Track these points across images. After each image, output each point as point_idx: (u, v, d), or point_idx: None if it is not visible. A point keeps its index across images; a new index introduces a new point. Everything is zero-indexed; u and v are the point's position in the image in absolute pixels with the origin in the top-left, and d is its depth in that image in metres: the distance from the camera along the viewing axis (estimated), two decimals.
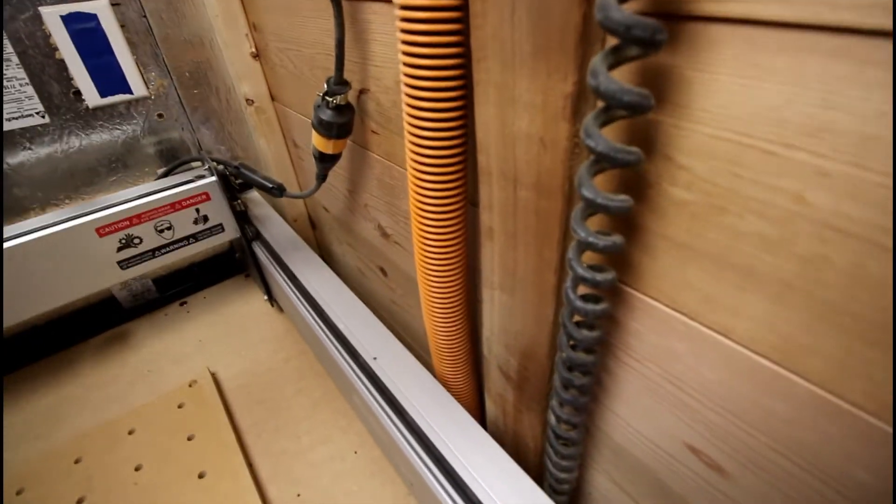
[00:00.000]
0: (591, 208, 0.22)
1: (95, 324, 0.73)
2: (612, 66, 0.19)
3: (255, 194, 0.80)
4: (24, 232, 0.50)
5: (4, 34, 0.55)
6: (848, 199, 0.17)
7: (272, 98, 0.72)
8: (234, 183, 0.67)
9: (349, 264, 0.80)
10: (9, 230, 0.52)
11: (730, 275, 0.22)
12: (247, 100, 0.72)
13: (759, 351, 0.22)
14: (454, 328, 0.42)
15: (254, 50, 0.68)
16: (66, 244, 0.52)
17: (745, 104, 0.18)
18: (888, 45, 0.14)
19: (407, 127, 0.32)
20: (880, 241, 0.17)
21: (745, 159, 0.19)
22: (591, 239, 0.23)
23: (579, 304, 0.26)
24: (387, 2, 0.36)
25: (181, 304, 0.78)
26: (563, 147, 0.24)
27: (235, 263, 0.82)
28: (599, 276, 0.24)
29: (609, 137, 0.20)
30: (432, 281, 0.39)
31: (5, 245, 0.49)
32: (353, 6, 0.40)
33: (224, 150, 0.78)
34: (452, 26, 0.27)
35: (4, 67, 0.57)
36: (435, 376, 0.48)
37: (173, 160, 0.73)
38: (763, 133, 0.18)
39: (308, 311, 0.52)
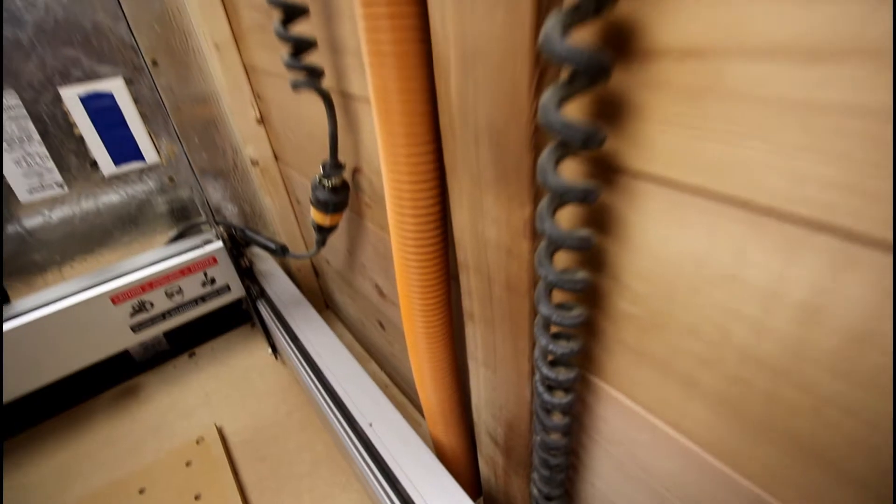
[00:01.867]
0: (548, 321, 0.25)
1: (109, 378, 0.76)
2: (554, 211, 0.21)
3: (256, 250, 0.84)
4: (42, 304, 0.54)
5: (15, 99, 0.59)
6: (761, 337, 0.19)
7: (276, 158, 0.77)
8: (241, 241, 0.70)
9: (350, 314, 0.82)
10: (27, 302, 0.56)
11: (675, 381, 0.24)
12: (252, 161, 0.76)
13: (708, 450, 0.24)
14: (445, 394, 0.44)
15: (258, 116, 0.72)
16: (82, 314, 0.55)
17: (671, 246, 0.21)
18: (779, 223, 0.17)
19: (391, 216, 0.35)
20: (791, 374, 0.19)
21: (675, 290, 0.21)
22: (550, 346, 0.25)
23: (547, 397, 0.28)
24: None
25: (190, 356, 0.81)
26: (526, 259, 0.27)
27: (242, 313, 0.85)
28: (562, 377, 0.26)
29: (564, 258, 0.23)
30: (422, 355, 0.41)
31: (25, 318, 0.52)
32: (345, 100, 0.44)
33: (231, 206, 0.82)
34: (428, 147, 0.30)
35: (27, 144, 0.61)
36: (431, 436, 0.50)
37: (183, 218, 0.77)
38: (687, 272, 0.21)
39: (308, 374, 0.55)
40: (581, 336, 0.27)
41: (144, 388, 0.75)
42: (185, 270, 0.61)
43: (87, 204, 0.69)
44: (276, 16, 0.37)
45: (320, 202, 0.48)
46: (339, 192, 0.48)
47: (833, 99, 0.14)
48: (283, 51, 0.39)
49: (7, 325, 0.52)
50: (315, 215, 0.51)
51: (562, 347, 0.25)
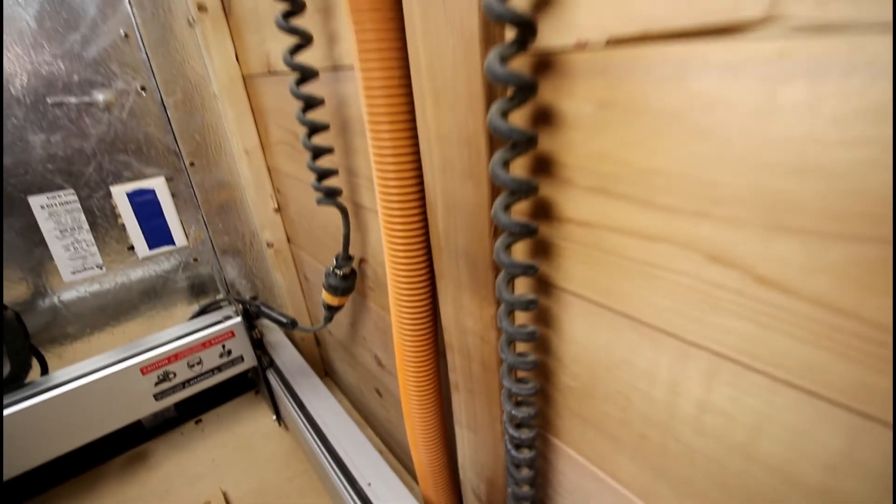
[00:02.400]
0: (511, 392, 0.33)
1: (119, 444, 0.81)
2: (509, 314, 0.31)
3: (266, 322, 0.92)
4: (80, 375, 0.61)
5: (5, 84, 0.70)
6: (648, 404, 0.28)
7: (289, 241, 0.87)
8: (253, 315, 0.79)
9: (350, 382, 0.89)
10: (65, 373, 0.63)
11: (606, 438, 0.32)
12: (268, 243, 0.86)
13: (639, 496, 0.32)
14: (434, 455, 0.51)
15: (276, 206, 0.84)
16: (114, 383, 0.62)
17: (591, 340, 0.30)
18: (650, 331, 0.26)
19: (393, 307, 0.44)
20: (671, 430, 0.27)
21: (597, 370, 0.30)
22: (513, 412, 0.34)
23: (514, 454, 0.36)
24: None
25: (196, 423, 0.86)
26: (494, 344, 0.36)
27: (247, 382, 0.91)
28: (525, 436, 0.35)
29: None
30: (415, 419, 0.48)
31: (65, 388, 0.59)
32: (356, 208, 0.55)
33: (244, 281, 0.91)
34: (422, 258, 0.40)
35: (77, 230, 0.71)
36: (423, 497, 0.56)
37: (200, 292, 0.86)
38: (602, 358, 0.30)
39: (313, 438, 0.61)
40: (537, 403, 0.36)
41: (153, 455, 0.79)
42: (207, 343, 0.69)
43: (119, 280, 0.78)
44: (307, 155, 0.48)
45: (332, 287, 0.58)
46: (348, 279, 0.58)
47: (654, 261, 0.24)
48: (308, 164, 0.51)
49: (47, 395, 0.59)
50: (326, 297, 0.60)
51: (522, 412, 0.34)
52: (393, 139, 0.35)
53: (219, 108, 0.76)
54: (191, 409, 0.87)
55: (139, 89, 0.70)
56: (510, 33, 0.25)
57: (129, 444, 0.81)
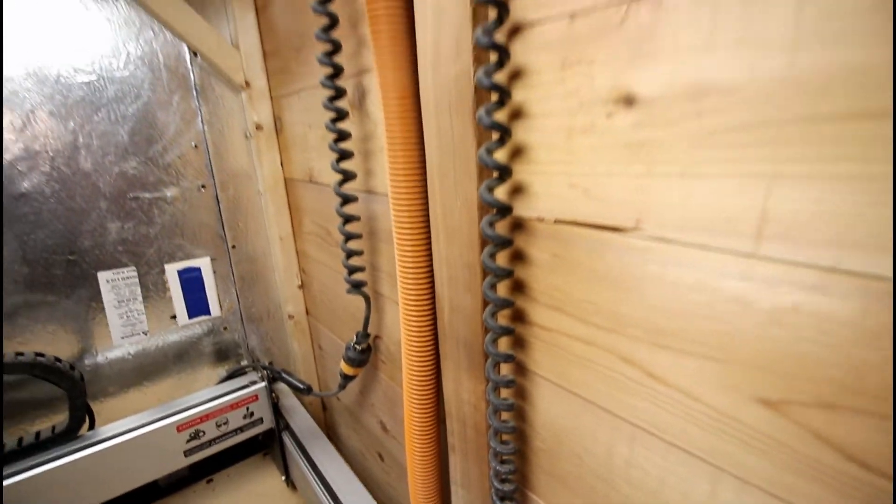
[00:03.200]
0: (496, 452, 0.44)
1: (137, 501, 0.87)
2: (494, 389, 0.42)
3: (282, 385, 1.01)
4: (125, 430, 0.70)
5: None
6: (598, 463, 0.39)
7: (307, 313, 0.99)
8: (272, 380, 0.88)
9: (352, 445, 0.96)
10: (111, 428, 0.72)
11: (572, 492, 0.42)
12: (289, 315, 0.98)
13: None
14: None
15: (300, 283, 0.96)
16: (153, 438, 0.71)
17: (555, 412, 0.41)
18: (599, 409, 0.38)
19: (406, 382, 0.55)
20: (612, 485, 0.38)
21: (560, 436, 0.41)
22: (498, 468, 0.44)
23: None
24: (397, 303, 0.63)
25: (208, 482, 0.92)
26: (484, 413, 0.47)
27: (257, 443, 0.99)
28: (507, 488, 0.44)
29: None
30: (417, 478, 0.58)
31: (112, 442, 0.68)
32: (376, 295, 0.68)
33: (263, 348, 1.01)
34: (430, 344, 0.52)
35: (132, 301, 0.83)
36: None
37: (223, 357, 0.96)
38: (563, 426, 0.41)
39: (325, 496, 0.68)
40: (516, 462, 0.46)
41: None
42: (234, 405, 0.78)
43: (157, 343, 0.88)
44: (342, 255, 0.62)
45: (350, 359, 0.69)
46: (365, 353, 0.69)
47: (590, 357, 0.36)
48: (343, 262, 0.64)
49: (96, 448, 0.67)
50: (344, 367, 0.71)
51: (505, 468, 0.44)
52: (414, 256, 0.48)
53: (262, 202, 0.91)
54: (203, 469, 0.93)
55: (200, 187, 0.85)
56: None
57: (145, 500, 0.87)
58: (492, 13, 0.35)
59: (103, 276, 0.79)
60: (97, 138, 0.75)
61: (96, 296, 0.80)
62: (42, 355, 0.66)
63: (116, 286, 0.81)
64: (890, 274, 0.21)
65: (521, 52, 0.35)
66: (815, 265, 0.24)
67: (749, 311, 0.27)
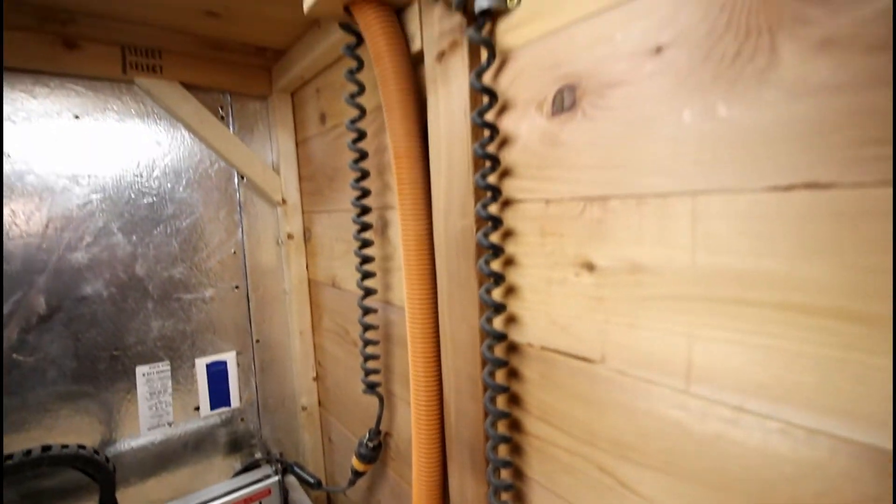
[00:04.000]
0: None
1: None
2: (496, 491, 0.49)
3: (290, 477, 1.04)
4: None
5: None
6: None
7: (320, 405, 1.05)
8: (283, 472, 0.92)
9: None
10: None
11: None
12: (302, 407, 1.04)
13: None
14: None
15: (315, 375, 1.03)
16: None
17: None
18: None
19: (415, 476, 0.60)
20: None
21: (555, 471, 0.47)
22: None
23: None
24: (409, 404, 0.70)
25: None
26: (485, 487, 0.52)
27: None
28: None
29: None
30: None
31: None
32: (388, 394, 0.75)
33: (274, 439, 1.05)
34: (438, 448, 0.58)
35: (162, 393, 0.90)
36: None
37: (237, 448, 1.00)
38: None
39: None
40: None
41: None
42: (248, 500, 0.81)
43: (177, 433, 0.93)
44: (358, 353, 0.70)
45: (362, 455, 0.74)
46: (376, 450, 0.74)
47: (572, 465, 0.43)
48: (360, 365, 0.72)
49: None
50: (356, 463, 0.76)
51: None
52: (426, 365, 0.57)
53: (286, 300, 1.02)
54: None
55: (234, 287, 0.96)
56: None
57: None
58: (488, 193, 0.47)
59: (140, 370, 0.87)
60: (153, 249, 0.87)
61: (132, 388, 0.87)
62: (83, 447, 0.72)
63: (151, 379, 0.88)
64: (781, 415, 0.30)
65: (511, 218, 0.47)
66: (728, 404, 0.32)
67: (688, 436, 0.35)
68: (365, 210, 0.65)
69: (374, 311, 0.69)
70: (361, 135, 0.63)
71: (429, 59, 0.53)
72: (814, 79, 0.27)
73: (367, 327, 0.68)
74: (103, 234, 0.83)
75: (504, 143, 0.47)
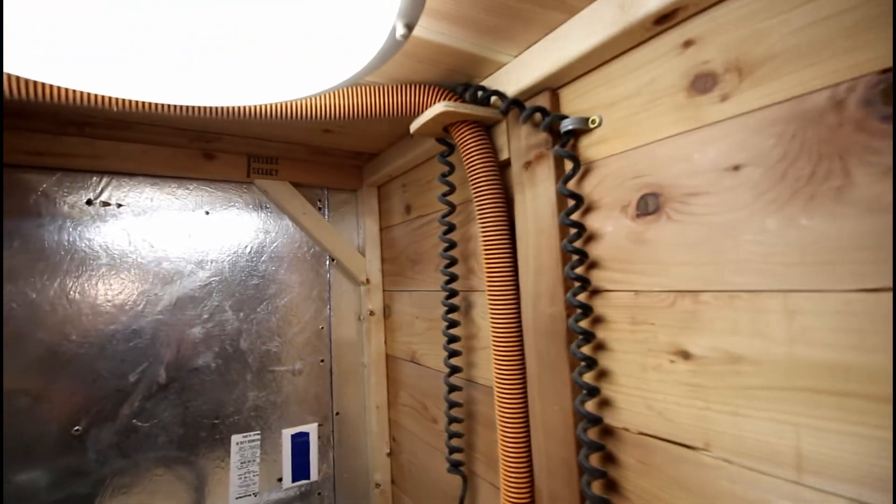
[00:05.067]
0: None
1: None
2: None
3: None
4: None
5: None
6: None
7: (393, 482, 1.05)
8: None
9: None
10: None
11: None
12: (376, 483, 1.05)
13: None
14: None
15: (389, 451, 1.06)
16: None
17: None
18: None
19: None
20: None
21: None
22: None
23: None
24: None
25: None
26: None
27: None
28: None
29: None
30: None
31: None
32: (471, 475, 0.76)
33: None
34: None
35: (252, 463, 0.95)
36: None
37: None
38: None
39: None
40: None
41: None
42: None
43: (261, 503, 0.97)
44: (438, 430, 0.73)
45: None
46: None
47: None
48: (445, 441, 0.74)
49: None
50: None
51: None
52: (515, 446, 0.59)
53: (364, 373, 1.08)
54: None
55: (320, 361, 1.04)
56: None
57: None
58: (577, 283, 0.52)
59: (235, 439, 0.94)
60: (256, 325, 0.98)
61: (226, 456, 0.93)
62: None
63: (243, 448, 0.95)
64: None
65: (600, 306, 0.51)
66: (844, 496, 0.33)
67: None
68: (453, 293, 0.71)
69: (459, 388, 0.73)
70: (451, 227, 0.71)
71: (516, 167, 0.61)
72: (886, 198, 0.31)
73: (452, 404, 0.72)
74: (217, 311, 0.94)
75: (590, 239, 0.53)
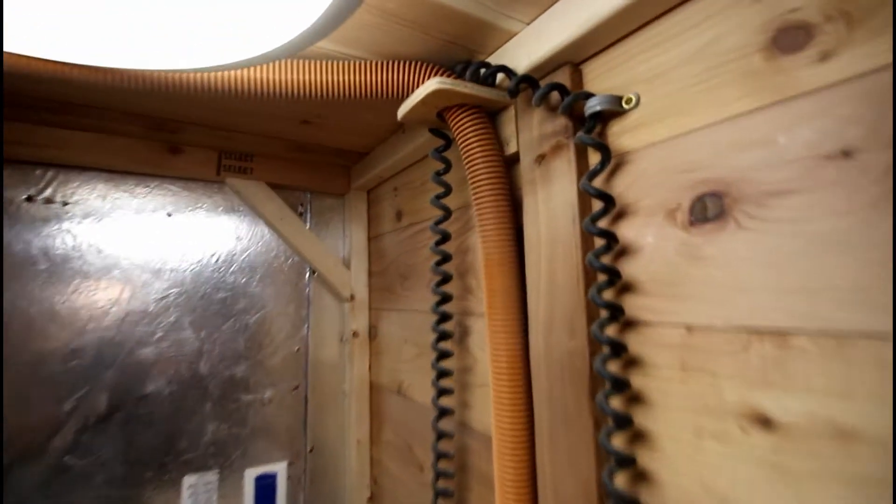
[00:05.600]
0: None
1: None
2: None
3: None
4: None
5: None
6: None
7: None
8: None
9: None
10: None
11: None
12: None
13: None
14: None
15: (370, 495, 0.91)
16: None
17: None
18: None
19: None
20: None
21: None
22: None
23: None
24: None
25: None
26: None
27: None
28: None
29: None
30: None
31: None
32: None
33: None
34: None
35: None
36: None
37: None
38: None
39: None
40: None
41: None
42: None
43: None
44: (424, 478, 0.60)
45: None
46: None
47: None
48: (431, 482, 0.61)
49: None
50: None
51: None
52: None
53: (345, 403, 0.94)
54: None
55: (294, 388, 0.91)
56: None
57: None
58: (605, 312, 0.39)
59: (187, 481, 0.80)
60: (219, 345, 0.85)
61: (175, 500, 0.79)
62: None
63: (196, 492, 0.81)
64: None
65: (637, 344, 0.39)
66: None
67: None
68: (445, 317, 0.59)
69: (451, 435, 0.60)
70: (445, 236, 0.59)
71: (526, 161, 0.49)
72: None
73: (440, 455, 0.59)
74: (174, 328, 0.82)
75: (623, 253, 0.40)
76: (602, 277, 0.40)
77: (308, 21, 0.34)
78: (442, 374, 0.59)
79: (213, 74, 0.48)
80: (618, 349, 0.38)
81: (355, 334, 0.93)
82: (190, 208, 0.85)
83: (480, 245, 0.50)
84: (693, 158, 0.35)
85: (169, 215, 0.83)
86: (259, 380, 0.88)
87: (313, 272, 0.94)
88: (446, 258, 0.59)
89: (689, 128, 0.36)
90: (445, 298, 0.59)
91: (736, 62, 0.33)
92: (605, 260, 0.41)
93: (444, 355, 0.59)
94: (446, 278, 0.59)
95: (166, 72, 0.47)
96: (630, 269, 0.40)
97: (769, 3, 0.32)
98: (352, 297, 0.94)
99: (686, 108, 0.36)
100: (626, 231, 0.40)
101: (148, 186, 0.81)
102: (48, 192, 0.75)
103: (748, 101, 0.33)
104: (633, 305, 0.39)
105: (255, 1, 0.34)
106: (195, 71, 0.43)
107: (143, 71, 0.47)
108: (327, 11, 0.33)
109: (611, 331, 0.40)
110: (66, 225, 0.76)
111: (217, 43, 0.38)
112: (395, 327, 0.84)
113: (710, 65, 0.35)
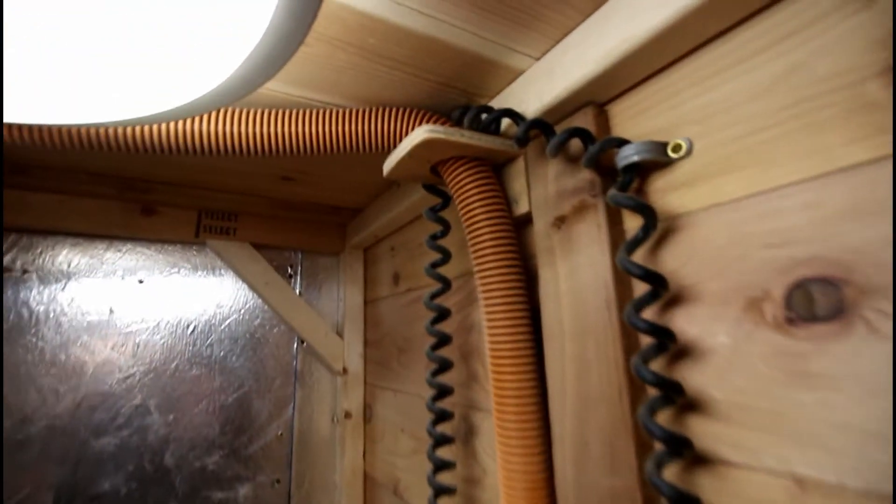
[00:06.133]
0: None
1: None
2: None
3: None
4: None
5: None
6: None
7: None
8: None
9: None
10: None
11: None
12: None
13: None
14: None
15: None
16: None
17: None
18: None
19: None
20: None
21: None
22: None
23: None
24: None
25: None
26: None
27: None
28: None
29: None
30: None
31: None
32: None
33: None
34: None
35: None
36: None
37: None
38: None
39: None
40: None
41: None
42: None
43: None
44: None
45: None
46: None
47: None
48: None
49: None
50: None
51: None
52: None
53: (335, 497, 0.80)
54: None
55: (275, 482, 0.77)
56: None
57: None
58: (660, 444, 0.27)
59: None
60: (190, 431, 0.73)
61: None
62: None
63: None
64: None
65: (714, 493, 0.26)
66: None
67: None
68: (444, 416, 0.47)
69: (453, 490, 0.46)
70: (443, 314, 0.48)
71: (540, 224, 0.39)
72: None
73: None
74: (138, 413, 0.71)
75: (682, 356, 0.29)
76: (653, 392, 0.28)
77: (247, 50, 0.26)
78: (440, 491, 0.46)
79: (171, 129, 0.40)
80: (685, 501, 0.26)
81: (347, 415, 0.81)
82: (165, 273, 0.76)
83: (486, 330, 0.39)
84: (783, 227, 0.25)
85: (140, 282, 0.74)
86: (234, 472, 0.75)
87: (302, 342, 0.83)
88: (444, 340, 0.48)
89: (774, 184, 0.25)
90: (443, 391, 0.47)
91: (838, 93, 0.23)
92: (656, 366, 0.29)
93: (442, 466, 0.46)
94: (444, 366, 0.47)
95: (110, 126, 0.40)
96: (696, 380, 0.28)
97: (886, 7, 0.22)
98: (345, 370, 0.82)
99: (764, 157, 0.26)
100: (686, 325, 0.29)
101: (119, 251, 0.73)
102: (7, 260, 0.67)
103: (865, 147, 0.22)
104: (705, 435, 0.27)
105: (192, 35, 0.26)
106: (128, 123, 0.35)
107: (87, 127, 0.40)
108: (266, 38, 0.24)
109: (672, 471, 0.28)
110: (23, 295, 0.67)
111: (153, 86, 0.29)
112: (391, 411, 0.72)
113: (795, 98, 0.25)
